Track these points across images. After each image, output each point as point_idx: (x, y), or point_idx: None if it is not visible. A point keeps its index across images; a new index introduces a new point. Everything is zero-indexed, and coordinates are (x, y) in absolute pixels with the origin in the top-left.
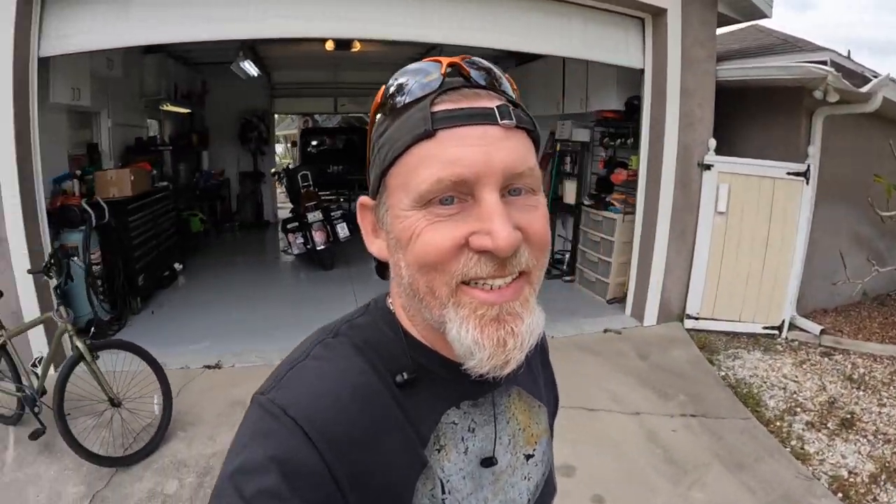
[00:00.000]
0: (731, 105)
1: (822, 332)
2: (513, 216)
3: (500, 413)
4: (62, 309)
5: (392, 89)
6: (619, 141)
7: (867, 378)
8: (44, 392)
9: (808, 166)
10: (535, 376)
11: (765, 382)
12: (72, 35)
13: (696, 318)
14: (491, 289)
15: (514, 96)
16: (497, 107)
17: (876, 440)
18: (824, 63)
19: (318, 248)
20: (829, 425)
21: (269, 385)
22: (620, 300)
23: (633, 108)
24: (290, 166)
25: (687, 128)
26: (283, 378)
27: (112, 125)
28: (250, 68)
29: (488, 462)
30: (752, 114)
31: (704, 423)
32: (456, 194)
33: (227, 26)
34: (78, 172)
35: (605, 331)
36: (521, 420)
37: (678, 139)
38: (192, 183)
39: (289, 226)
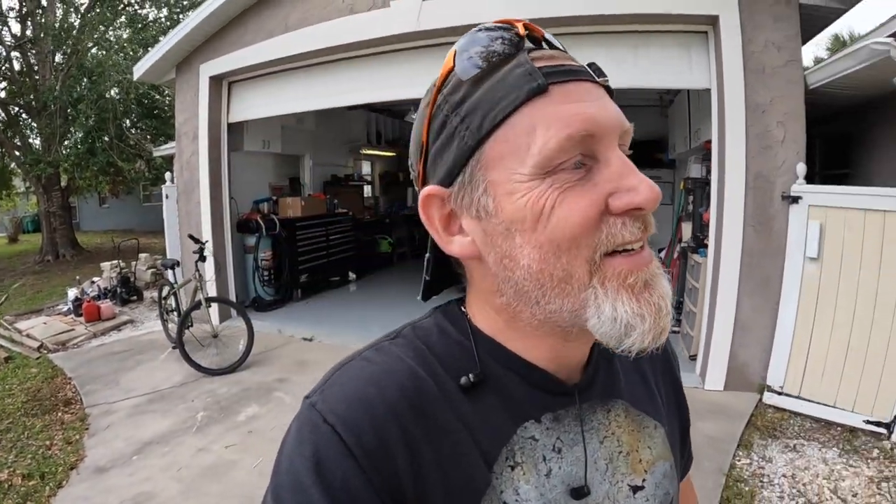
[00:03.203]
0: (867, 121)
1: None
2: None
3: (592, 430)
4: (197, 273)
5: (468, 52)
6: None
7: None
8: (190, 324)
9: None
10: (651, 389)
11: (794, 489)
12: (245, 109)
13: (780, 393)
14: (630, 253)
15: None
16: (588, 64)
17: None
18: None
19: None
20: None
21: (315, 388)
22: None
23: None
24: None
25: (762, 151)
26: (328, 381)
27: (313, 164)
28: None
29: (579, 492)
30: (878, 125)
31: None
32: (582, 156)
33: (347, 97)
34: (274, 198)
35: None
36: (626, 441)
37: (746, 166)
38: (387, 213)
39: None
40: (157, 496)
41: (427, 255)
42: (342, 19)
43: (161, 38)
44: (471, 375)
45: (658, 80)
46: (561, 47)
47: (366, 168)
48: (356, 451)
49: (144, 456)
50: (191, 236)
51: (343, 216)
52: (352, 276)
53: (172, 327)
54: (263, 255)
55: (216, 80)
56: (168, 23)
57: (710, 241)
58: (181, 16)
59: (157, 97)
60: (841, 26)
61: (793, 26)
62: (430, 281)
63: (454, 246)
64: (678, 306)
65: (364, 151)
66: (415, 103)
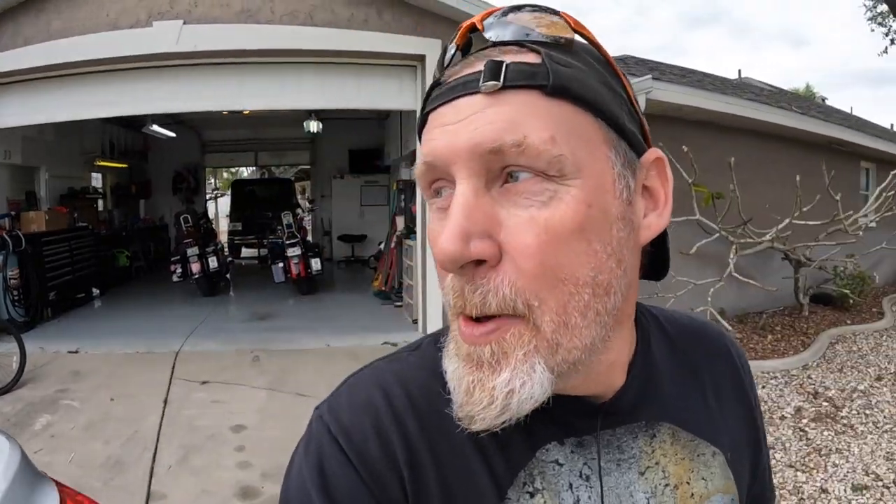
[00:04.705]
0: None
1: None
2: (496, 214)
3: (631, 459)
4: None
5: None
6: None
7: None
8: None
9: None
10: (710, 409)
11: None
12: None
13: None
14: (468, 321)
15: (549, 37)
16: (486, 65)
17: None
18: None
19: (195, 277)
20: None
21: (327, 397)
22: None
23: None
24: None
25: None
26: (337, 390)
27: (49, 177)
28: (162, 130)
29: None
30: None
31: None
32: (444, 184)
33: (109, 108)
34: (13, 213)
35: (384, 343)
36: (673, 472)
37: None
38: (122, 226)
39: (171, 258)
40: None
41: None
42: (105, 33)
43: None
44: None
45: (377, 103)
46: (504, 38)
47: (97, 180)
48: (357, 463)
49: None
50: None
51: (84, 230)
52: (96, 291)
53: None
54: (11, 273)
55: None
56: None
57: (418, 228)
58: None
59: None
60: None
61: None
62: None
63: None
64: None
65: (99, 163)
66: (173, 117)
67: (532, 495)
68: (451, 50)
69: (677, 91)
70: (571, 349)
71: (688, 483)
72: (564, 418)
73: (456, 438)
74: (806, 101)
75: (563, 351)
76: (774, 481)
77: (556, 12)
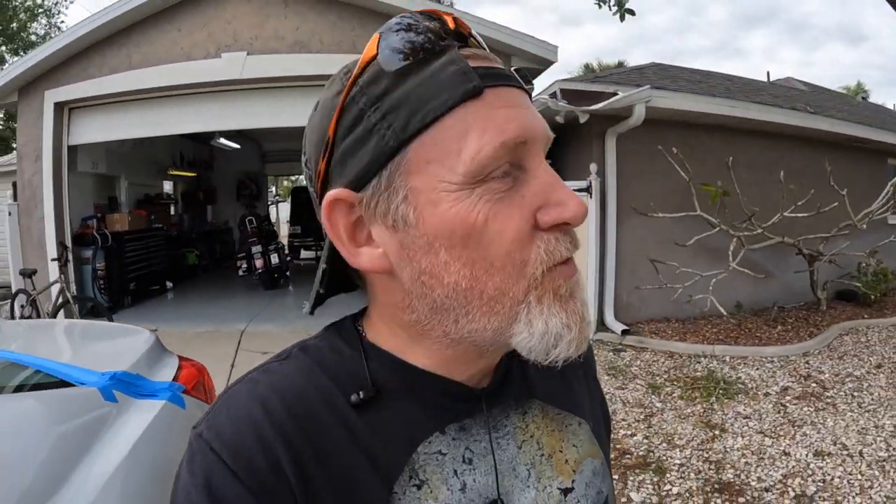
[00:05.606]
0: (564, 139)
1: (625, 331)
2: None
3: (507, 436)
4: (62, 276)
5: (395, 39)
6: None
7: (634, 369)
8: None
9: (590, 182)
10: (570, 385)
11: None
12: (84, 133)
13: None
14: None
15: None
16: (515, 69)
17: None
18: (553, 94)
19: (258, 272)
20: None
21: (203, 416)
22: None
23: None
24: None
25: None
26: (214, 408)
27: (128, 184)
28: (228, 143)
29: None
30: (570, 143)
31: None
32: (510, 165)
33: (182, 126)
34: (99, 215)
35: None
36: (547, 443)
37: None
38: (190, 228)
39: (237, 255)
40: None
41: (322, 265)
42: (179, 64)
43: None
44: (361, 393)
45: None
46: (486, 48)
47: (168, 187)
48: (246, 478)
49: None
50: (61, 243)
51: (159, 231)
52: (169, 284)
53: None
54: (99, 265)
55: (59, 106)
56: None
57: None
58: None
59: None
60: (591, 57)
61: None
62: (322, 294)
63: (362, 258)
64: None
65: (170, 172)
66: (237, 131)
67: (419, 487)
68: (428, 34)
69: (675, 98)
70: None
71: (560, 451)
72: (444, 404)
73: (339, 441)
74: (837, 100)
75: None
76: (741, 443)
77: None
